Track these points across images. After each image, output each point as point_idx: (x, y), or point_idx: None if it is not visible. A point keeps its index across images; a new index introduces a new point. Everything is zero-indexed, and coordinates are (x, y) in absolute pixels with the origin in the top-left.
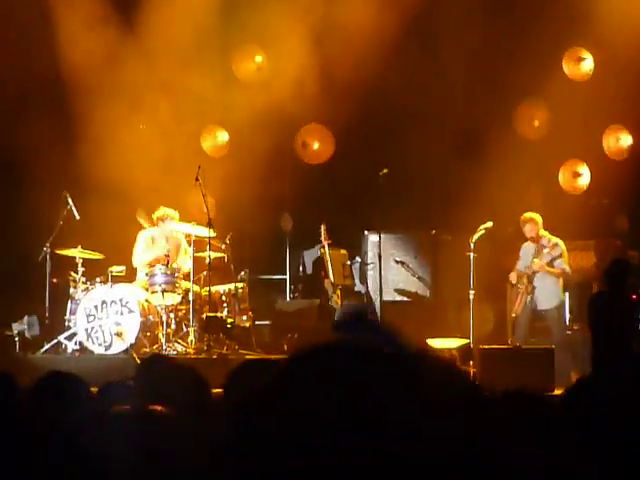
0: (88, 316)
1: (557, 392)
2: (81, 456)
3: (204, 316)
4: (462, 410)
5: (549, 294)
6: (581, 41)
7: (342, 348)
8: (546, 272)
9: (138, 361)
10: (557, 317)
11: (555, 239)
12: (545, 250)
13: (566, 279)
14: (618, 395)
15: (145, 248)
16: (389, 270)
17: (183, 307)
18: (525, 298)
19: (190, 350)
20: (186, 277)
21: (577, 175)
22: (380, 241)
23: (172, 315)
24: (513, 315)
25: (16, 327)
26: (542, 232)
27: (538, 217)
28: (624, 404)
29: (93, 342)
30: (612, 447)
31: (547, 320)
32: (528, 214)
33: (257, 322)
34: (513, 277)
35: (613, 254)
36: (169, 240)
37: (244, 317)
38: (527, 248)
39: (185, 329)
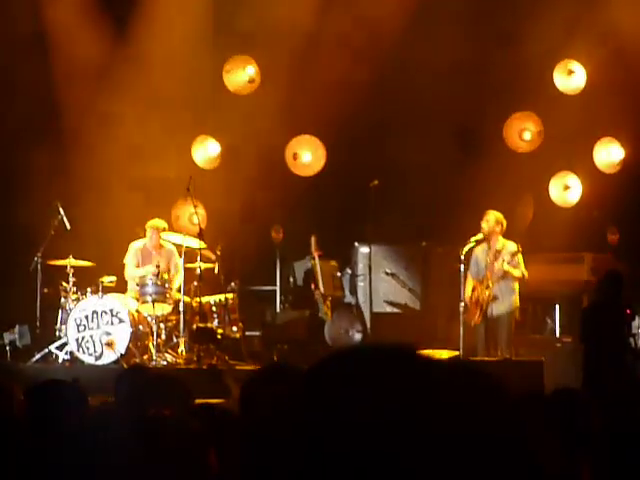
0: (79, 326)
1: None
2: (80, 463)
3: (194, 327)
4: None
5: (502, 300)
6: (572, 53)
7: (375, 350)
8: (509, 275)
9: None
10: (507, 323)
11: (513, 245)
12: (505, 256)
13: (522, 284)
14: (610, 407)
15: (136, 261)
16: (379, 282)
17: (173, 317)
18: (485, 307)
19: (180, 360)
20: (176, 288)
21: (567, 188)
22: (370, 253)
23: (162, 325)
24: (472, 325)
25: (7, 336)
26: (498, 235)
27: (498, 216)
28: (616, 416)
29: (84, 352)
30: (600, 452)
31: (498, 325)
32: (489, 211)
33: (247, 333)
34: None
35: (604, 267)
36: (160, 252)
37: (234, 328)
38: (478, 253)
39: (175, 339)
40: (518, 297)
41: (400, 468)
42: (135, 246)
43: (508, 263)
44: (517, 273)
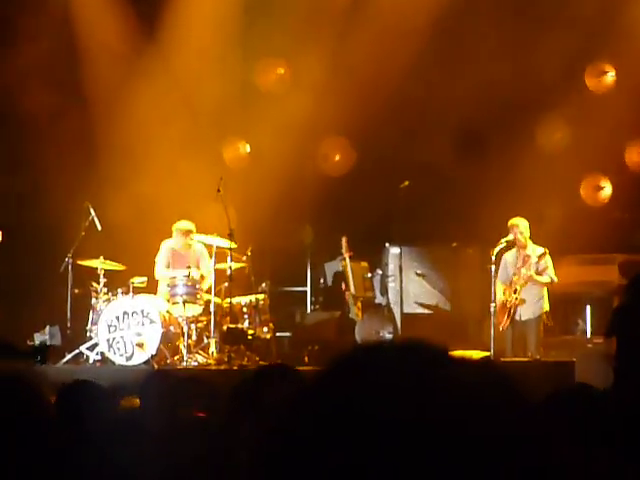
0: (109, 327)
1: None
2: (109, 465)
3: (225, 327)
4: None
5: (531, 304)
6: (604, 54)
7: (404, 346)
8: (535, 282)
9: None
10: (535, 327)
11: (541, 249)
12: (533, 260)
13: (551, 288)
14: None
15: (166, 261)
16: (410, 283)
17: (204, 318)
18: (514, 311)
19: (211, 361)
20: (206, 289)
21: (599, 188)
22: (401, 254)
23: (193, 326)
24: (500, 329)
25: (38, 337)
26: (528, 241)
27: (524, 223)
28: None
29: (114, 353)
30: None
31: (526, 330)
32: (514, 220)
33: (278, 334)
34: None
35: (635, 268)
36: (189, 252)
37: (265, 329)
38: (508, 258)
39: (206, 340)
40: (547, 301)
41: (414, 466)
42: (167, 245)
43: (535, 265)
44: (544, 279)
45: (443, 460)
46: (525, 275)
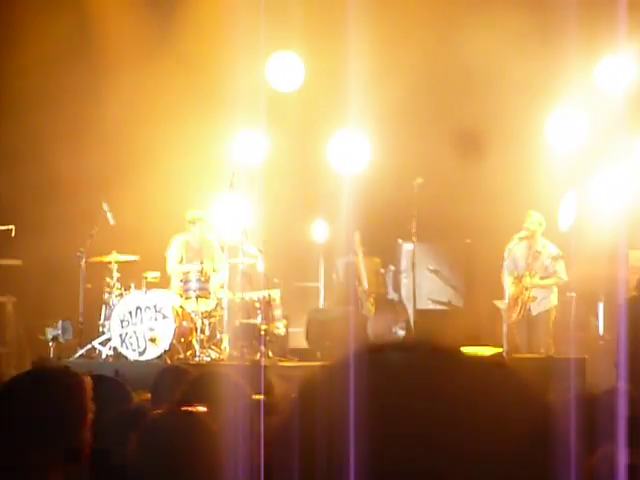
0: (122, 322)
1: None
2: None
3: (238, 323)
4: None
5: (541, 299)
6: (616, 49)
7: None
8: (542, 287)
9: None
10: (545, 322)
11: (555, 250)
12: (545, 260)
13: (562, 286)
14: None
15: (179, 256)
16: (423, 279)
17: (217, 313)
18: (525, 306)
19: (224, 357)
20: (220, 284)
21: (611, 185)
22: (414, 250)
23: (206, 321)
24: (510, 322)
25: (50, 332)
26: (538, 235)
27: (538, 216)
28: None
29: (127, 348)
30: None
31: (537, 324)
32: (530, 211)
33: (291, 329)
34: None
35: None
36: (203, 246)
37: (278, 324)
38: (518, 251)
39: (219, 336)
40: (556, 296)
41: (425, 462)
42: (178, 240)
43: (546, 266)
44: (549, 282)
45: (455, 457)
46: (530, 283)
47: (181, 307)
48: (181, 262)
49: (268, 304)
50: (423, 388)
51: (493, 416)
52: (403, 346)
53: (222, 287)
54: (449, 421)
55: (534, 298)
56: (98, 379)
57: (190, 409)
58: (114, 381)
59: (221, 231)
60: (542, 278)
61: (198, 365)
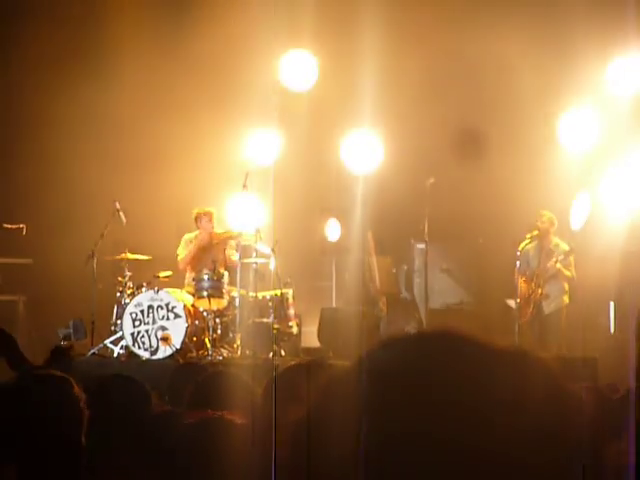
0: (134, 320)
1: None
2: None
3: (250, 322)
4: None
5: (553, 298)
6: (626, 51)
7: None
8: (560, 272)
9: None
10: (557, 321)
11: (566, 245)
12: (560, 257)
13: (572, 284)
14: None
15: (189, 251)
16: (435, 278)
17: (229, 312)
18: (537, 305)
19: (236, 355)
20: (232, 271)
21: (621, 185)
22: (427, 249)
23: (218, 320)
24: (523, 321)
25: (62, 331)
26: (551, 234)
27: (550, 216)
28: None
29: (139, 347)
30: None
31: (548, 323)
32: (543, 211)
33: (303, 328)
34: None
35: None
36: (214, 247)
37: (290, 323)
38: (530, 250)
39: (231, 335)
40: (568, 296)
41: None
42: (188, 238)
43: (561, 262)
44: (569, 273)
45: (475, 442)
46: (552, 267)
47: (193, 306)
48: (194, 258)
49: (281, 303)
50: (445, 375)
51: (516, 403)
52: (425, 335)
53: (234, 286)
54: (472, 408)
55: (547, 296)
56: (117, 379)
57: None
58: (133, 381)
59: (234, 231)
60: (555, 274)
61: (210, 364)
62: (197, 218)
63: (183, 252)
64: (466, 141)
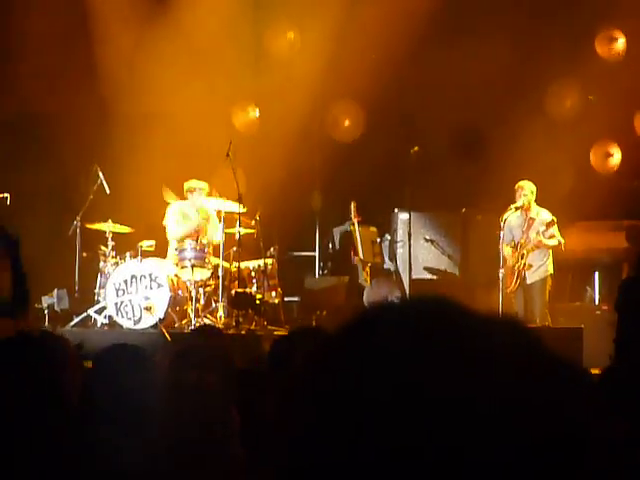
0: (117, 290)
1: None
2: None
3: (233, 292)
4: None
5: (537, 268)
6: (615, 21)
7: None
8: (544, 246)
9: (167, 336)
10: (541, 290)
11: (548, 215)
12: (539, 226)
13: (559, 252)
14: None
15: (177, 222)
16: (419, 248)
17: (212, 282)
18: (521, 275)
19: (219, 326)
20: (216, 250)
21: (609, 155)
22: (410, 219)
23: (201, 290)
24: (508, 292)
25: (45, 300)
26: (532, 204)
27: (530, 186)
28: None
29: (122, 316)
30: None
31: (533, 293)
32: (521, 182)
33: (286, 299)
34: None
35: None
36: (199, 213)
37: (273, 293)
38: (512, 220)
39: (214, 305)
40: (552, 264)
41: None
42: (174, 208)
43: (542, 233)
44: (552, 243)
45: (462, 421)
46: (535, 239)
47: (176, 276)
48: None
49: (263, 273)
50: (431, 345)
51: (506, 379)
52: (413, 304)
53: (217, 256)
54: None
55: (530, 266)
56: (120, 348)
57: None
58: (137, 351)
59: (218, 200)
60: (539, 244)
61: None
62: (189, 190)
63: (174, 226)
64: (449, 110)
